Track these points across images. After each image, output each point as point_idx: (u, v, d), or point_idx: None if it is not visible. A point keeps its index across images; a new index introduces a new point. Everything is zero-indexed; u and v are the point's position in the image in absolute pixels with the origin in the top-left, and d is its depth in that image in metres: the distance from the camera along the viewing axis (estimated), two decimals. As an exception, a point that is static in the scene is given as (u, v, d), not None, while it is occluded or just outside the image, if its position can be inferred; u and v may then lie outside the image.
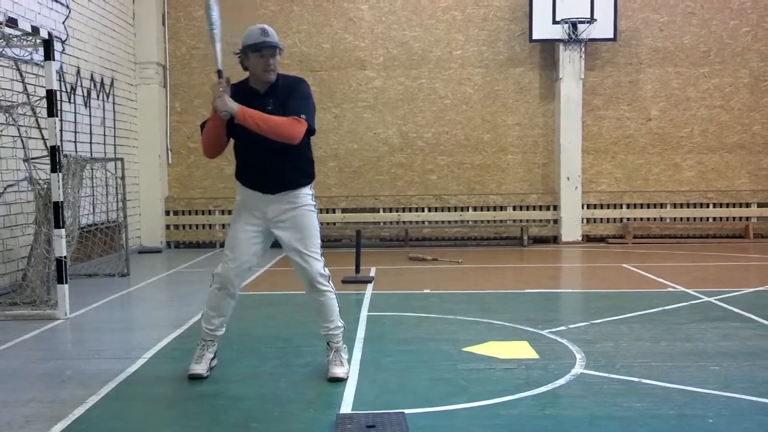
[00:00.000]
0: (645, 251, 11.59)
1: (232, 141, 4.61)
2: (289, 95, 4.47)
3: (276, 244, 4.78)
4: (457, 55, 12.85)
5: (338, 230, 12.82)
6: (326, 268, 4.64)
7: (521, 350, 5.35)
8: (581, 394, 4.34)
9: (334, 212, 12.90)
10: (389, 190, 13.01)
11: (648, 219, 12.98)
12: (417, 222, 12.96)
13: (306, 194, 4.62)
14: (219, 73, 4.42)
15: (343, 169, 12.98)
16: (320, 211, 4.85)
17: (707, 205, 12.97)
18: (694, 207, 12.97)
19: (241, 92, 4.45)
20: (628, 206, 12.98)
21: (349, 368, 4.76)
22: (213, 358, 4.81)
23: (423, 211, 12.97)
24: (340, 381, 4.59)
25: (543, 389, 4.42)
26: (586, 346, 5.43)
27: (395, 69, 12.88)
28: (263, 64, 4.41)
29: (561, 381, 4.57)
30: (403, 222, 12.95)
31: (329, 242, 12.52)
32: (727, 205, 12.96)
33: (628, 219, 12.93)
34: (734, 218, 12.98)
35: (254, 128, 4.32)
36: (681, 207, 12.97)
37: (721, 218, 12.98)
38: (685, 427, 3.81)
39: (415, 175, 13.01)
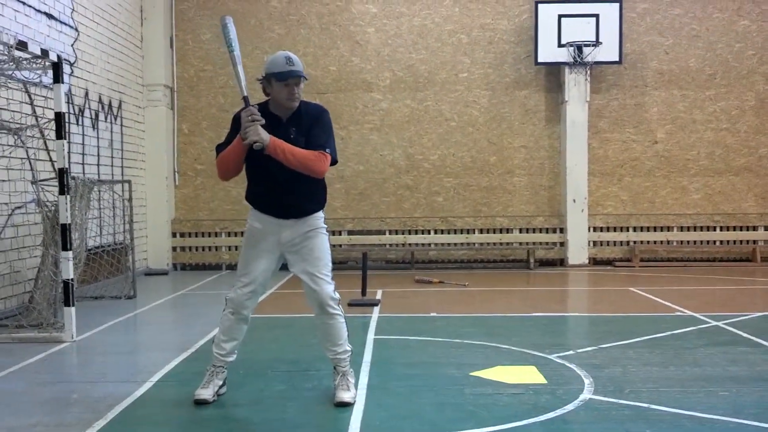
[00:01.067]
0: (652, 274, 11.56)
1: None
2: (312, 125, 4.50)
3: (283, 267, 4.78)
4: (463, 78, 12.90)
5: (344, 252, 12.81)
6: (336, 292, 4.64)
7: (529, 375, 5.32)
8: (590, 420, 4.31)
9: (340, 234, 12.90)
10: (395, 212, 13.02)
11: (655, 242, 12.94)
12: (423, 244, 12.95)
13: (319, 218, 4.64)
14: (245, 100, 4.35)
15: (349, 191, 12.99)
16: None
17: (714, 228, 12.93)
18: (701, 230, 12.93)
19: (263, 118, 4.38)
20: (634, 229, 12.95)
21: (356, 393, 4.73)
22: (222, 385, 4.79)
23: (429, 233, 12.97)
24: (347, 406, 4.56)
25: (551, 415, 4.39)
26: (594, 371, 5.40)
27: (401, 91, 12.93)
28: (288, 92, 4.41)
29: (569, 407, 4.54)
30: (410, 244, 12.94)
31: (335, 264, 12.41)
32: (734, 228, 12.93)
33: (634, 242, 12.89)
34: (741, 241, 12.94)
35: (283, 160, 4.32)
36: (688, 230, 12.94)
37: (728, 241, 12.94)
38: (696, 455, 3.79)
39: (421, 197, 13.02)
